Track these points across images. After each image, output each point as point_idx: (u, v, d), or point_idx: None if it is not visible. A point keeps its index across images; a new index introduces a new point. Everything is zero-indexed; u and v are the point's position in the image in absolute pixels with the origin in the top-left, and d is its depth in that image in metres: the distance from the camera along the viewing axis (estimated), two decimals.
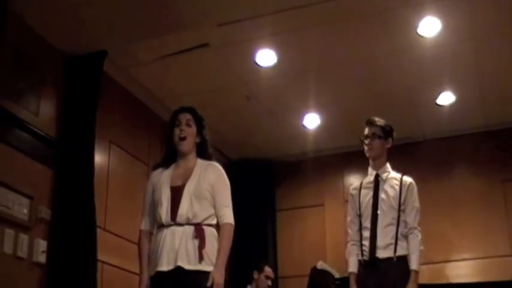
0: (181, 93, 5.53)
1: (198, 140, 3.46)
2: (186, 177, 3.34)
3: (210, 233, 3.27)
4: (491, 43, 5.03)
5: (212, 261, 3.20)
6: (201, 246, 3.19)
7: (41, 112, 4.48)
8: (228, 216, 3.32)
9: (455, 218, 6.35)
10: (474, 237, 6.27)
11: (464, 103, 5.98)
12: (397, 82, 5.62)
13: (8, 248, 3.99)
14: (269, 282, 5.97)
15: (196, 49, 4.99)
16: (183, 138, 3.40)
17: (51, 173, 4.49)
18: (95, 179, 4.59)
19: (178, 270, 3.15)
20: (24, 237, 4.13)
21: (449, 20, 4.73)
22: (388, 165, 4.08)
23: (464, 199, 6.40)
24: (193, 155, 3.45)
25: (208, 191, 3.31)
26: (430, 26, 4.79)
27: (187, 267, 3.16)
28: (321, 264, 6.00)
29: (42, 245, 4.28)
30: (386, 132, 4.06)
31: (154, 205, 3.35)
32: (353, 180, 6.16)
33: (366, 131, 4.08)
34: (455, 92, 5.83)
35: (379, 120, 4.08)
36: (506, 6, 4.55)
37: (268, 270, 5.98)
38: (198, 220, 3.24)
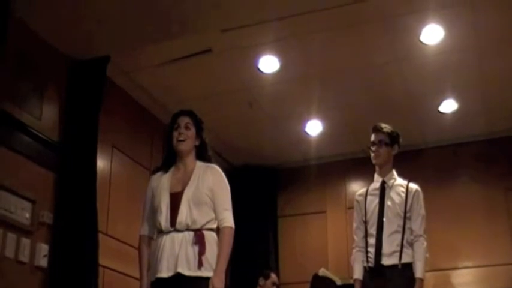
0: (184, 98, 5.52)
1: (197, 142, 3.46)
2: (185, 183, 3.33)
3: (211, 237, 3.27)
4: (494, 51, 5.03)
5: (212, 266, 3.20)
6: (201, 252, 3.18)
7: (44, 116, 4.48)
8: (228, 219, 3.31)
9: (457, 225, 6.33)
10: (476, 245, 6.25)
11: (467, 111, 5.97)
12: (399, 89, 5.62)
13: (9, 252, 3.99)
14: None
15: (199, 55, 5.00)
16: (181, 141, 3.40)
17: (54, 177, 4.50)
18: (97, 183, 4.60)
19: (178, 276, 3.15)
20: (26, 241, 4.13)
21: (452, 28, 4.74)
22: (394, 172, 4.06)
23: (466, 207, 6.38)
24: (192, 157, 3.44)
25: (208, 195, 3.31)
26: (433, 34, 4.80)
27: (187, 273, 3.15)
28: (322, 271, 5.99)
29: (44, 249, 4.28)
30: (392, 138, 4.04)
31: (154, 211, 3.35)
32: (355, 187, 6.15)
33: (372, 137, 4.05)
34: (457, 99, 5.82)
35: (386, 127, 4.05)
36: (510, 14, 4.55)
37: (274, 277, 5.98)
38: (197, 226, 3.24)
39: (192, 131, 3.43)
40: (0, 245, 3.92)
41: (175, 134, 3.42)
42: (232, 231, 3.30)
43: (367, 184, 4.15)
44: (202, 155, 3.46)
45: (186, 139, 3.40)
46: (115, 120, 5.13)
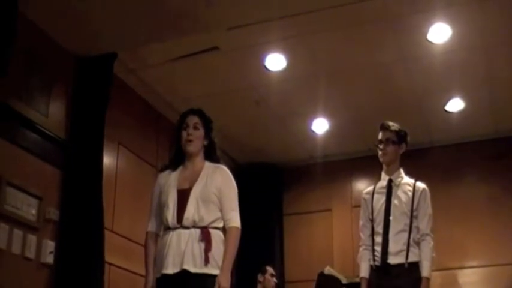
0: (190, 96, 5.53)
1: (205, 142, 3.44)
2: (193, 180, 3.33)
3: (217, 236, 3.26)
4: (501, 50, 5.02)
5: (218, 264, 3.19)
6: (207, 249, 3.17)
7: (51, 113, 4.50)
8: (234, 220, 3.30)
9: (463, 225, 6.33)
10: (483, 245, 6.25)
11: (474, 110, 5.96)
12: (406, 88, 5.61)
13: (16, 249, 4.01)
14: (275, 280, 6.01)
15: (206, 52, 5.00)
16: (190, 141, 3.40)
17: (60, 174, 4.51)
18: (103, 180, 4.61)
19: (184, 273, 3.15)
20: (32, 238, 4.15)
21: (460, 27, 4.73)
22: (401, 170, 4.03)
23: (473, 206, 6.38)
24: (200, 157, 3.43)
25: (215, 194, 3.30)
26: (440, 33, 4.79)
27: (193, 270, 3.15)
28: (328, 270, 5.99)
29: (50, 245, 4.30)
30: (400, 137, 4.01)
31: (161, 207, 3.34)
32: (361, 186, 6.15)
33: (380, 135, 4.02)
34: (464, 98, 5.82)
35: (393, 125, 4.02)
36: None
37: (270, 268, 6.05)
38: (204, 223, 3.23)
39: (201, 132, 3.41)
40: (7, 242, 3.94)
41: (184, 134, 3.40)
42: (239, 232, 3.29)
43: (373, 183, 4.14)
44: (210, 155, 3.44)
45: (194, 140, 3.38)
46: (121, 118, 5.14)
